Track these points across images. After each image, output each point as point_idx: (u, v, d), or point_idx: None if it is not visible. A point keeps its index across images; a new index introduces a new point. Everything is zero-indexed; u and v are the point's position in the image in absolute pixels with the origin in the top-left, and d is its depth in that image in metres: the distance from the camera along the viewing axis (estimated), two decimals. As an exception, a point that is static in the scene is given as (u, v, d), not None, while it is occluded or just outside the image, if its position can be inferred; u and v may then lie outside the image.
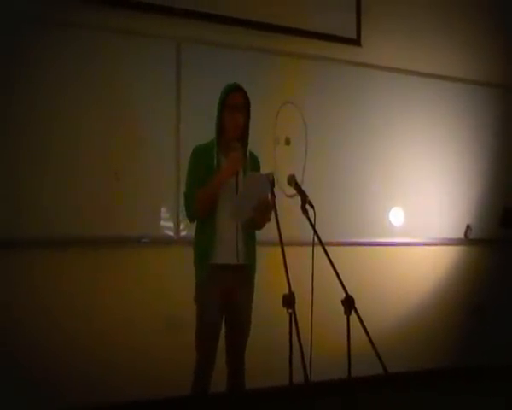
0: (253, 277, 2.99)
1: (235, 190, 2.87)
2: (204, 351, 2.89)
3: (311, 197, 2.71)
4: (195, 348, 2.90)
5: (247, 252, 2.93)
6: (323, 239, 2.58)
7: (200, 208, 2.88)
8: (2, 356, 3.40)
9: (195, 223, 3.01)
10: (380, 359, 2.32)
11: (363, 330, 2.34)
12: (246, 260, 2.93)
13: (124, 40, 3.81)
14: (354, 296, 2.44)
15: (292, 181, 2.83)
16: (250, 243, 2.97)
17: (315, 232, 2.59)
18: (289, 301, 2.29)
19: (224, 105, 2.93)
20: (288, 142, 4.29)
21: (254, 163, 3.06)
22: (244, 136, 3.00)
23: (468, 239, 4.95)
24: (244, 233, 2.93)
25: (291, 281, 2.34)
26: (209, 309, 2.88)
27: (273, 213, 2.63)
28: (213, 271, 2.87)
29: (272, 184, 2.74)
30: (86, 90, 3.69)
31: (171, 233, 3.90)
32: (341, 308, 2.42)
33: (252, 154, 3.06)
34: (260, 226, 2.98)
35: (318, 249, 2.56)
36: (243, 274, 2.93)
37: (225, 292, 2.88)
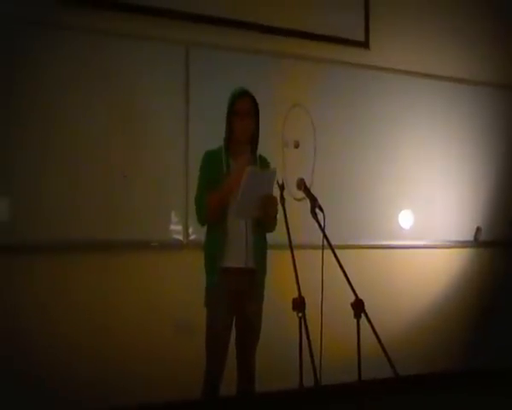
0: (263, 281, 2.99)
1: None
2: (214, 355, 2.89)
3: (319, 200, 2.71)
4: (206, 351, 2.90)
5: (257, 256, 2.93)
6: (333, 242, 2.58)
7: (210, 214, 2.88)
8: (5, 360, 3.41)
9: (206, 227, 3.00)
10: (390, 362, 2.31)
11: (372, 333, 2.33)
12: (255, 264, 2.92)
13: (134, 44, 3.84)
14: (364, 299, 2.43)
15: (301, 185, 2.83)
16: (260, 247, 2.96)
17: (324, 236, 2.59)
18: (299, 304, 2.29)
19: (232, 111, 2.94)
20: (296, 145, 4.29)
21: (264, 166, 3.06)
22: (253, 141, 3.00)
23: (478, 242, 4.92)
24: (254, 237, 2.92)
25: (301, 285, 2.35)
26: (219, 313, 2.87)
27: (283, 216, 2.64)
28: (223, 274, 2.86)
29: (282, 186, 2.74)
30: (95, 93, 3.71)
31: (180, 237, 3.90)
32: (351, 312, 2.41)
33: (262, 157, 3.07)
34: (270, 226, 2.97)
35: (328, 253, 2.56)
36: (253, 278, 2.92)
37: (235, 296, 2.88)
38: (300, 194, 2.89)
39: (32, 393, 3.43)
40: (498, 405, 4.04)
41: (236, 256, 2.87)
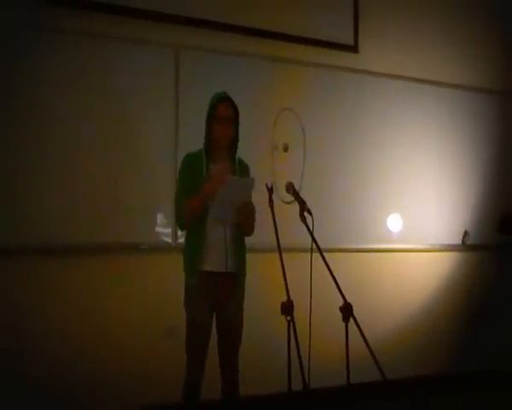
0: (243, 283, 3.02)
1: None
2: (194, 355, 2.92)
3: (308, 204, 2.73)
4: (186, 352, 2.93)
5: (236, 260, 2.96)
6: (321, 246, 2.59)
7: (188, 219, 2.93)
8: (3, 362, 3.39)
9: (186, 231, 3.05)
10: (378, 365, 2.31)
11: (361, 337, 2.34)
12: (234, 268, 2.95)
13: (122, 47, 3.82)
14: (352, 303, 2.43)
15: (290, 188, 2.84)
16: (239, 250, 2.99)
17: (313, 239, 2.60)
18: (288, 308, 2.29)
19: (212, 116, 2.96)
20: (285, 148, 4.29)
21: (243, 169, 3.08)
22: (233, 145, 3.03)
23: (466, 245, 4.95)
24: (233, 241, 2.95)
25: (289, 288, 2.35)
26: (198, 315, 2.91)
27: (271, 219, 2.64)
28: (202, 278, 2.89)
29: (271, 189, 2.75)
30: (85, 98, 3.69)
31: (169, 240, 3.90)
32: (340, 315, 2.42)
33: (240, 160, 3.09)
34: (248, 230, 3.02)
35: (316, 256, 2.57)
36: (232, 282, 2.95)
37: (214, 299, 2.91)
38: (289, 197, 2.90)
39: (31, 394, 3.42)
40: (486, 407, 4.06)
41: (216, 260, 2.91)
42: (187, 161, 3.03)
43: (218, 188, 2.79)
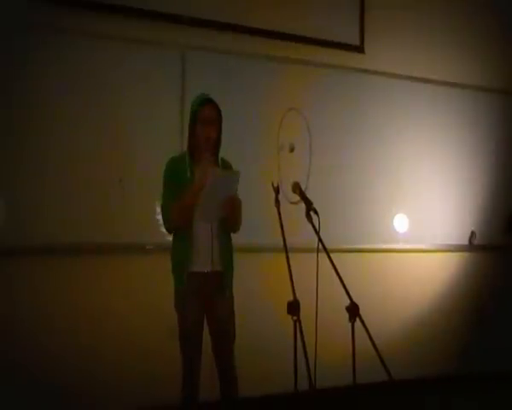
0: (231, 281, 3.03)
1: None
2: (188, 355, 2.94)
3: (314, 204, 2.72)
4: (180, 352, 2.95)
5: (224, 258, 2.98)
6: (327, 246, 2.59)
7: (176, 220, 2.95)
8: (2, 361, 3.39)
9: (173, 234, 3.06)
10: (384, 365, 2.31)
11: (367, 337, 2.33)
12: (222, 267, 2.97)
13: (128, 48, 3.82)
14: (358, 303, 2.43)
15: (296, 188, 2.84)
16: (226, 249, 3.01)
17: (319, 239, 2.60)
18: (294, 308, 2.29)
19: (196, 118, 2.98)
20: (292, 148, 4.29)
21: (227, 169, 3.09)
22: (216, 147, 3.04)
23: (473, 245, 4.93)
24: (219, 241, 2.96)
25: (295, 288, 2.34)
26: (188, 312, 2.93)
27: (278, 220, 2.64)
28: (190, 279, 2.91)
29: (277, 189, 2.75)
30: (90, 98, 3.70)
31: (175, 240, 3.90)
32: (346, 315, 2.41)
33: (224, 160, 3.10)
34: (234, 226, 3.03)
35: (323, 256, 2.56)
36: (219, 281, 2.97)
37: (203, 300, 2.93)
38: (295, 197, 2.89)
39: (31, 394, 3.42)
40: (493, 408, 4.05)
41: (202, 261, 2.93)
42: (171, 165, 3.05)
43: (203, 185, 2.80)
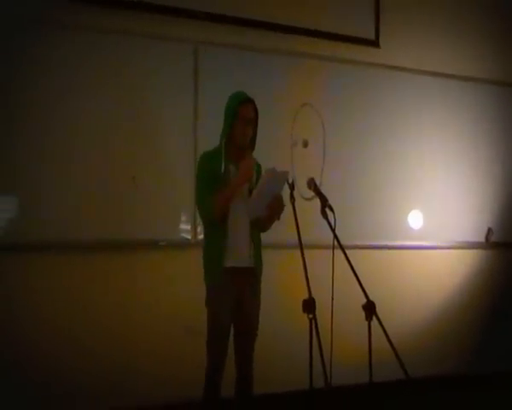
0: (260, 279, 3.05)
1: (246, 195, 2.96)
2: (216, 353, 2.94)
3: (329, 200, 2.70)
4: (207, 350, 2.95)
5: (256, 255, 3.00)
6: (343, 242, 2.56)
7: (219, 212, 2.91)
8: (4, 360, 3.37)
9: (204, 228, 3.09)
10: (401, 364, 2.28)
11: (383, 335, 2.30)
12: (255, 263, 2.99)
13: (141, 43, 3.81)
14: (374, 300, 2.41)
15: (311, 184, 2.82)
16: (258, 246, 3.03)
17: (335, 236, 2.57)
18: (310, 306, 2.26)
19: (235, 116, 2.97)
20: (305, 144, 4.26)
21: (258, 169, 3.09)
22: (252, 144, 3.08)
23: (490, 243, 4.87)
24: (252, 236, 2.98)
25: (311, 285, 2.32)
26: (220, 312, 2.92)
27: (292, 216, 2.62)
28: (226, 274, 2.90)
29: (292, 185, 2.73)
30: (103, 94, 3.68)
31: (188, 236, 3.89)
32: (362, 313, 2.39)
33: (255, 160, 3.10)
34: (268, 226, 3.05)
35: (338, 253, 2.54)
36: (253, 277, 2.99)
37: (236, 295, 2.93)
38: (310, 193, 2.87)
39: (31, 394, 3.41)
40: (509, 408, 4.00)
41: (238, 256, 2.94)
42: (206, 159, 3.05)
43: (248, 179, 2.87)
